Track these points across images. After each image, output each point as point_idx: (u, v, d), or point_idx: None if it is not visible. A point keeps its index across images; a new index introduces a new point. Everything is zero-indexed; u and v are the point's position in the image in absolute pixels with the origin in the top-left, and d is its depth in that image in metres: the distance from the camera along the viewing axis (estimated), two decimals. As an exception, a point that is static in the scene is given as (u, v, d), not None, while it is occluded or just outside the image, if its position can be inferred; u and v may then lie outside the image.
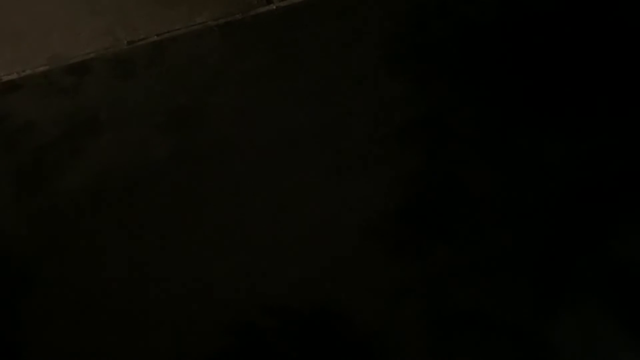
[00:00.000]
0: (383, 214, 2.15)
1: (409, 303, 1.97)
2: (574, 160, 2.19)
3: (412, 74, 2.49)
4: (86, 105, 2.59)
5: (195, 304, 2.04)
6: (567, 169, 2.18)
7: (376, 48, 2.58)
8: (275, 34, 2.72)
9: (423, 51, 2.56)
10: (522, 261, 2.02)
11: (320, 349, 1.92)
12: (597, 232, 2.03)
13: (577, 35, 2.48)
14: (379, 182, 2.23)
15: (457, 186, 2.19)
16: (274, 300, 2.01)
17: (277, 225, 2.19)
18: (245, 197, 2.27)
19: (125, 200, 2.32)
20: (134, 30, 2.80)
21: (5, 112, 2.61)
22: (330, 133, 2.39)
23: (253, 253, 2.12)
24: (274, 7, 2.77)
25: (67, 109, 2.59)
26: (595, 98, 2.32)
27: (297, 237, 2.15)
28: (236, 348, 1.95)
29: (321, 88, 2.52)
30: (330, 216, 2.18)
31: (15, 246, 2.24)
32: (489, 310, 1.93)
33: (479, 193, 2.16)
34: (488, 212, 2.12)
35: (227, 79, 2.60)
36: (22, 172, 2.44)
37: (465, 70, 2.47)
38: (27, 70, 2.74)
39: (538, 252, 2.02)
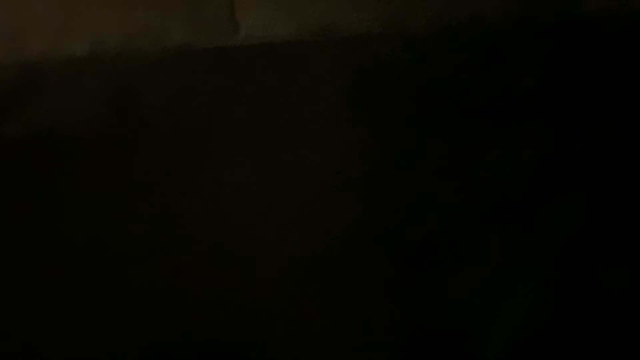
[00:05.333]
0: (326, 261, 2.12)
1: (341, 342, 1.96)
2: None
3: (376, 123, 2.42)
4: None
5: (105, 320, 1.90)
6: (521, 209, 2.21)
7: (341, 94, 2.49)
8: (237, 69, 2.62)
9: (387, 100, 2.48)
10: (461, 309, 2.07)
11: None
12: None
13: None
14: (329, 228, 2.18)
15: (410, 234, 2.19)
16: (195, 327, 1.89)
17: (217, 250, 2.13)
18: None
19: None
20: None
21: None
22: (283, 178, 2.29)
23: (183, 270, 2.03)
24: (240, 42, 2.68)
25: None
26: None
27: (223, 276, 2.09)
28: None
29: (276, 132, 2.41)
30: (273, 259, 2.14)
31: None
32: None
33: (428, 243, 2.18)
34: (436, 263, 2.14)
35: (170, 113, 2.48)
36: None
37: (426, 120, 2.43)
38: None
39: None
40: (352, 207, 2.24)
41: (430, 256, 2.18)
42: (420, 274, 2.15)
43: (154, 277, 2.08)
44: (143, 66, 2.62)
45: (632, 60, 2.65)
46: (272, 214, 2.24)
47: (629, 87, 2.56)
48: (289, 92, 2.53)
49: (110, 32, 2.69)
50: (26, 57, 2.54)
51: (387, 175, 2.32)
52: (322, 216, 2.23)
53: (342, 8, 2.77)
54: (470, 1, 2.79)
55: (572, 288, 2.12)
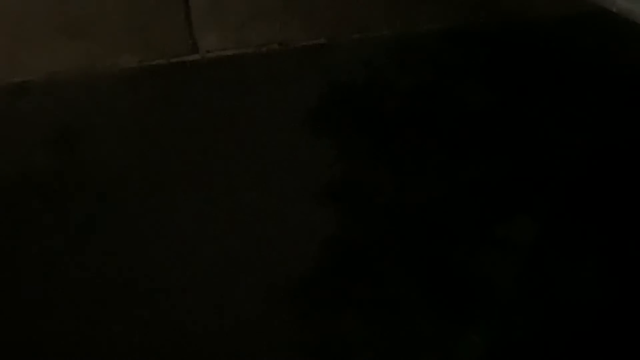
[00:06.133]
0: (295, 277, 2.08)
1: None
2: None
3: (337, 136, 2.44)
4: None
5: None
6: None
7: (302, 108, 2.49)
8: (198, 85, 2.61)
9: (349, 115, 2.51)
10: (429, 327, 2.00)
11: None
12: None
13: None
14: (294, 243, 2.15)
15: (374, 250, 2.15)
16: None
17: (170, 275, 2.07)
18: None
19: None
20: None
21: None
22: (244, 192, 2.28)
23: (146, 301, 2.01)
24: (200, 57, 2.68)
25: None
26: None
27: (197, 296, 2.03)
28: None
29: (235, 148, 2.40)
30: (237, 276, 2.08)
31: None
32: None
33: (394, 259, 2.13)
34: (401, 280, 2.09)
35: (127, 131, 2.45)
36: None
37: (387, 135, 2.46)
38: None
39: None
40: (314, 218, 2.21)
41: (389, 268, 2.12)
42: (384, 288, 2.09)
43: (102, 324, 2.00)
44: (97, 91, 2.58)
45: (583, 64, 2.71)
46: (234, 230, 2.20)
47: (581, 95, 2.59)
48: (251, 102, 2.53)
49: (64, 59, 2.68)
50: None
51: (348, 189, 2.31)
52: (288, 230, 2.20)
53: (296, 24, 2.80)
54: (420, 13, 2.85)
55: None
